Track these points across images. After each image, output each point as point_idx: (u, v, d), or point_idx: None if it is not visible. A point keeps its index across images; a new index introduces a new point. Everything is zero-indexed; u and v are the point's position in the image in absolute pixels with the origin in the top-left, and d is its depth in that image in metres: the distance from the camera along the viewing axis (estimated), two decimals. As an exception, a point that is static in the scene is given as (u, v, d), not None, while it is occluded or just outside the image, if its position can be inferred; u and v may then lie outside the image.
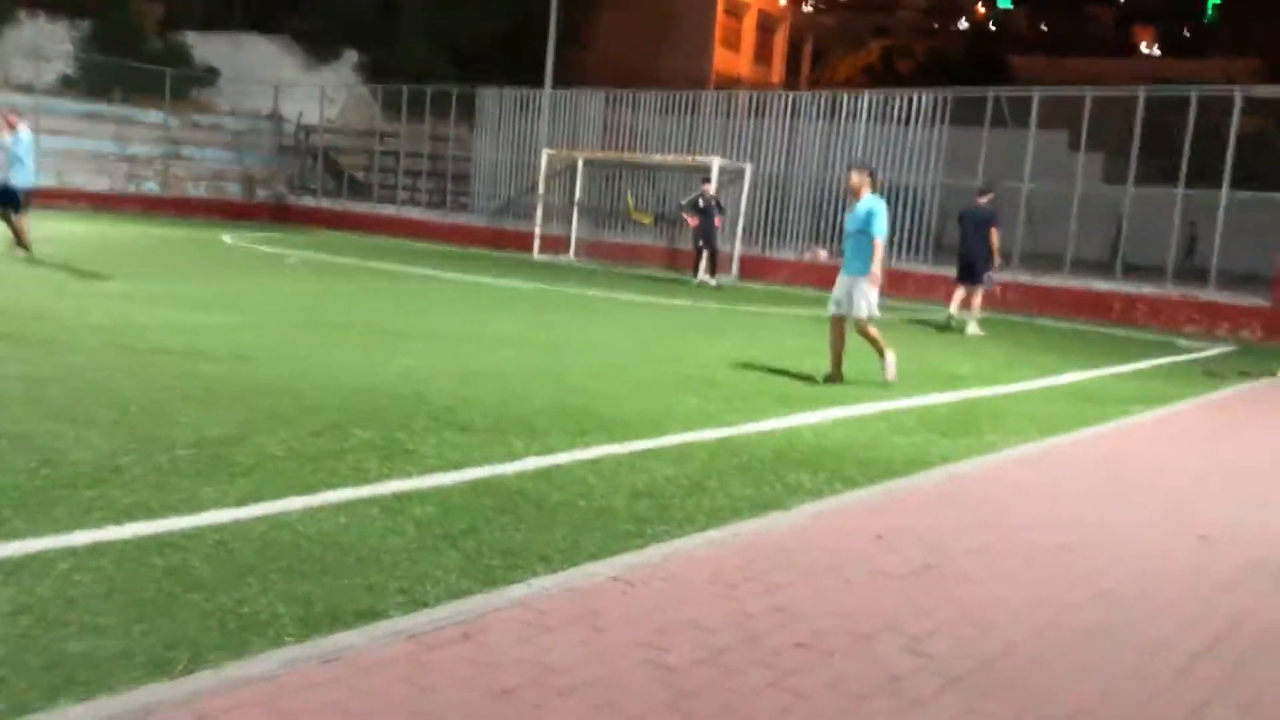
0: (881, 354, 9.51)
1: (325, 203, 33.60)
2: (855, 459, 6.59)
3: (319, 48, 38.90)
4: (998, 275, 16.15)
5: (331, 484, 5.11)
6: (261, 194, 34.75)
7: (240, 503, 4.73)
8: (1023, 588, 4.45)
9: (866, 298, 9.23)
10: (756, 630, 3.77)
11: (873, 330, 9.40)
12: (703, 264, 21.03)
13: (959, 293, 15.40)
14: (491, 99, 28.95)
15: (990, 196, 15.59)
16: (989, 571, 4.63)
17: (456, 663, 3.32)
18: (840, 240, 9.93)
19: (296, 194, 34.94)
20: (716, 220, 21.07)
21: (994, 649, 3.77)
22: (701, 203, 20.86)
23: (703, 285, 20.54)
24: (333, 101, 35.94)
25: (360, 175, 35.14)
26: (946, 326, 15.21)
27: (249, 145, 35.44)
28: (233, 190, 34.35)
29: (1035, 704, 3.35)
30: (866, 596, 4.20)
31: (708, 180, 21.63)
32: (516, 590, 3.97)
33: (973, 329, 15.12)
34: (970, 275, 15.35)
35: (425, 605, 3.78)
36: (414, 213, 31.09)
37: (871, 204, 9.36)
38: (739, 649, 3.60)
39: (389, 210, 31.57)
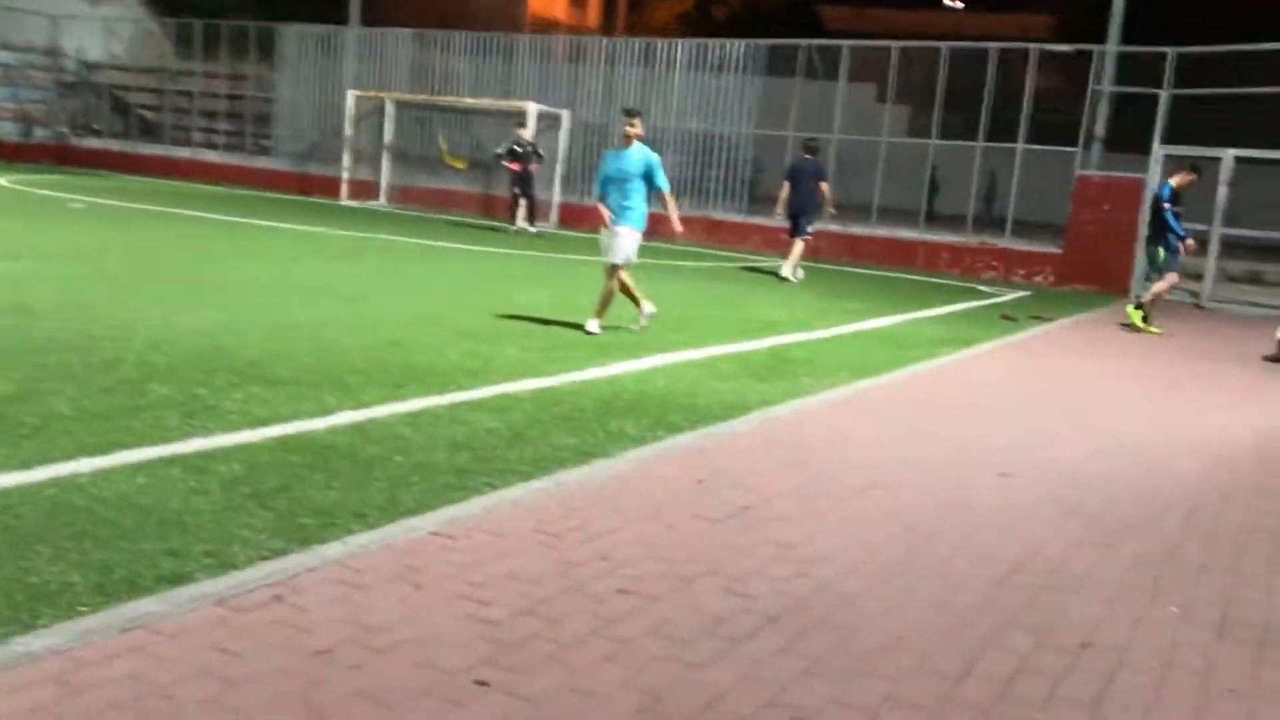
0: (638, 303, 9.52)
1: (113, 145, 31.47)
2: (676, 405, 6.66)
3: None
4: (816, 225, 16.77)
5: (127, 443, 4.81)
6: (40, 134, 32.23)
7: (25, 466, 4.39)
8: (835, 526, 4.60)
9: (625, 246, 9.24)
10: (580, 578, 3.75)
11: (628, 278, 9.38)
12: (521, 211, 20.77)
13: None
14: (293, 37, 27.62)
15: (817, 151, 16.38)
16: (804, 511, 4.76)
17: (269, 626, 3.18)
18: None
19: (80, 135, 32.61)
20: (533, 166, 20.80)
21: (809, 587, 3.87)
22: (518, 148, 20.55)
23: (521, 232, 20.31)
24: (118, 36, 33.56)
25: (151, 116, 33.03)
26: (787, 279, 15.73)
27: (23, 81, 32.71)
28: (7, 130, 31.72)
29: (849, 639, 3.46)
30: (688, 541, 4.24)
31: (523, 125, 21.31)
32: (331, 549, 3.82)
33: (786, 271, 15.69)
34: (795, 227, 15.97)
35: (234, 568, 3.60)
36: (211, 156, 29.50)
37: (648, 154, 9.41)
38: (562, 598, 3.57)
39: (184, 153, 29.82)
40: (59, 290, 8.81)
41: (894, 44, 21.95)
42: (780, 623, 3.53)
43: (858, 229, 21.18)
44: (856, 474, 5.44)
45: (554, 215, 23.50)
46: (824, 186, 16.13)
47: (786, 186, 16.23)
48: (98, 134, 32.32)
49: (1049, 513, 5.07)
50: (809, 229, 16.28)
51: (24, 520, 3.83)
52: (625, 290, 9.39)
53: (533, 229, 20.55)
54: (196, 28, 29.43)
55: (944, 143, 21.03)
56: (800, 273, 16.00)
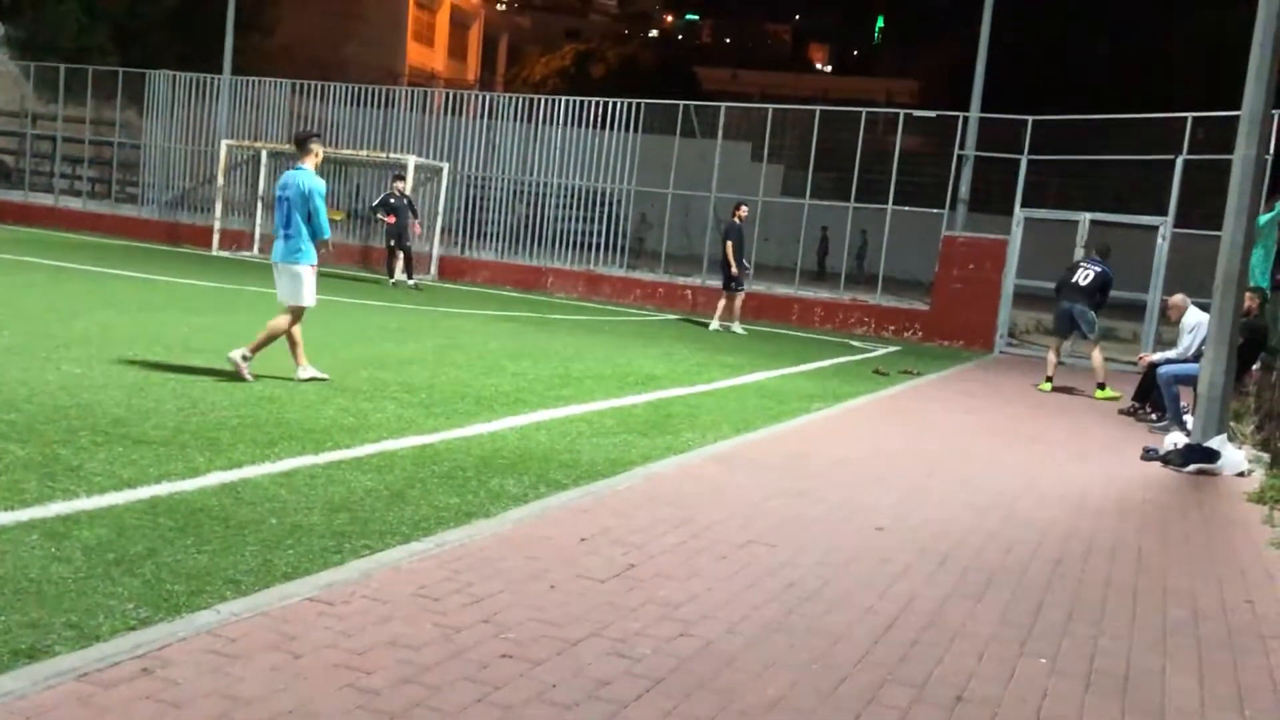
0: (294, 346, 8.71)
1: (-33, 191, 30.13)
2: (558, 462, 6.64)
3: (-44, 18, 34.81)
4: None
5: (-19, 509, 4.57)
6: (-112, 178, 30.71)
7: None
8: (717, 584, 4.63)
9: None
10: (463, 644, 3.70)
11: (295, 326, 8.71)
12: (399, 264, 20.57)
13: (721, 301, 17.82)
14: (164, 83, 26.94)
15: (741, 212, 17.80)
16: (687, 569, 4.78)
17: (135, 701, 3.04)
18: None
19: (-68, 179, 31.14)
20: (411, 221, 20.66)
21: (693, 647, 3.89)
22: (393, 200, 20.44)
23: (399, 285, 20.10)
24: (-24, 78, 32.29)
25: (10, 161, 31.73)
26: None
27: None
28: None
29: (731, 699, 3.48)
30: (572, 602, 4.22)
31: (400, 178, 21.19)
32: (203, 617, 3.69)
33: (715, 326, 17.78)
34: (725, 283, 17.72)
35: (98, 639, 3.45)
36: (74, 203, 28.42)
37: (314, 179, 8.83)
38: (445, 665, 3.51)
39: (45, 200, 28.64)
40: (-94, 344, 8.36)
41: (770, 106, 22.59)
42: (665, 684, 3.53)
43: (735, 285, 21.52)
44: (737, 530, 5.50)
45: (433, 268, 23.33)
46: (727, 246, 17.41)
47: (731, 246, 17.32)
48: (-50, 179, 30.89)
49: (923, 566, 5.20)
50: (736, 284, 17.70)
51: None
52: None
53: (411, 281, 20.36)
54: (60, 71, 28.47)
55: (818, 202, 21.64)
56: (720, 326, 17.77)
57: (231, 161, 25.20)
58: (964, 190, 19.88)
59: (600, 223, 22.52)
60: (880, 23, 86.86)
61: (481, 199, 24.26)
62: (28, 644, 3.36)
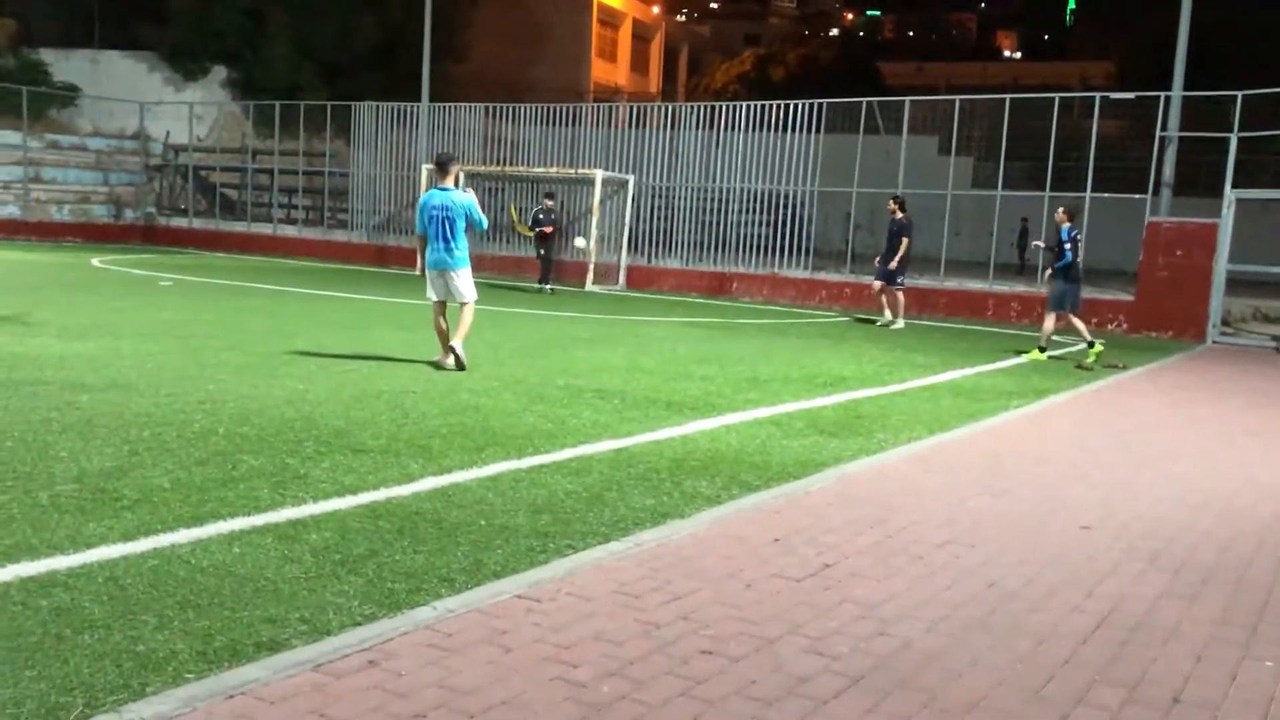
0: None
1: (198, 223, 32.65)
2: (750, 464, 6.71)
3: (184, 64, 37.75)
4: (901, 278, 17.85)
5: (222, 514, 5.00)
6: (130, 215, 33.58)
7: (128, 538, 4.58)
8: (915, 583, 4.60)
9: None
10: (663, 639, 3.81)
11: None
12: (548, 273, 21.93)
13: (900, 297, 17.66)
14: (368, 114, 28.55)
15: (902, 208, 17.71)
16: (883, 569, 4.77)
17: (364, 691, 3.28)
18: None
19: (167, 215, 33.88)
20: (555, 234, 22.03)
21: (892, 646, 3.88)
22: (542, 216, 21.68)
23: (545, 291, 21.41)
24: (201, 119, 34.96)
25: (233, 194, 34.24)
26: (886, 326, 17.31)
27: (115, 166, 34.22)
28: (99, 212, 33.10)
29: (933, 698, 3.46)
30: (768, 600, 4.28)
31: (550, 195, 22.47)
32: (421, 613, 3.94)
33: (900, 324, 17.41)
34: (884, 277, 17.51)
35: (328, 634, 3.73)
36: (291, 231, 30.44)
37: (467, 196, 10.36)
38: (647, 659, 3.63)
39: (264, 229, 30.83)
40: (151, 366, 9.16)
41: (957, 97, 22.01)
42: (865, 682, 3.55)
43: (925, 282, 21.12)
44: (934, 531, 5.43)
45: (622, 278, 23.79)
46: (904, 242, 17.32)
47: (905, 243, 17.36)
48: (183, 213, 33.59)
49: (1133, 565, 5.01)
50: (899, 280, 17.62)
51: (129, 590, 4.01)
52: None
53: (547, 287, 21.67)
54: (275, 108, 30.52)
55: (1011, 193, 20.95)
56: (894, 322, 17.54)
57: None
58: (1168, 173, 18.85)
59: (783, 225, 22.45)
60: (1072, 4, 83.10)
61: (666, 208, 24.60)
62: (267, 637, 3.67)
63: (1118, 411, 10.03)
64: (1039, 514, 5.90)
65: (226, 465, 5.89)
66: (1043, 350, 13.88)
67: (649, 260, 24.56)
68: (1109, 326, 18.95)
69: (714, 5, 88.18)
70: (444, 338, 10.27)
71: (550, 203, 22.18)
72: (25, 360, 9.04)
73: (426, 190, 9.77)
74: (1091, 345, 13.73)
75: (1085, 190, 19.41)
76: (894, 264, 17.24)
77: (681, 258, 24.16)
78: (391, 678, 3.38)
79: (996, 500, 6.16)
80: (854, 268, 22.48)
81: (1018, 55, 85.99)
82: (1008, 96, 20.66)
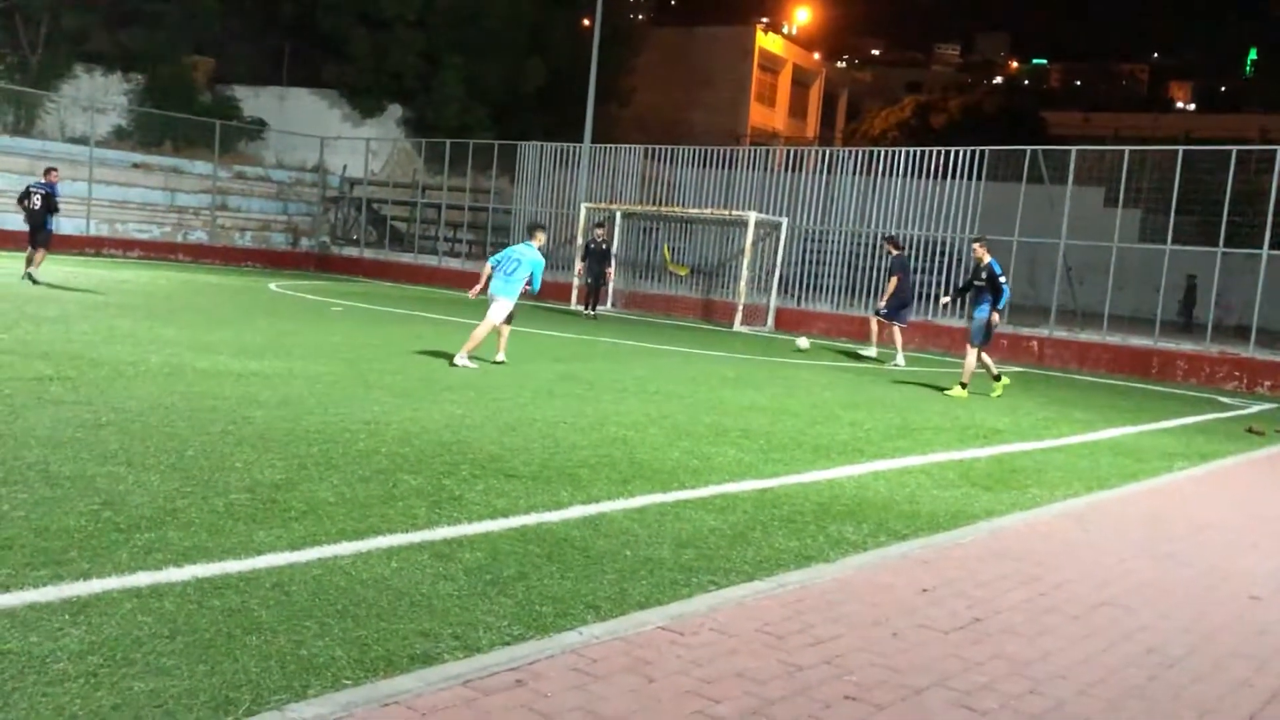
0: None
1: (368, 253, 34.10)
2: (898, 512, 6.61)
3: (363, 102, 39.73)
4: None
5: (382, 529, 5.21)
6: (306, 244, 35.33)
7: (294, 547, 4.82)
8: (1069, 643, 4.45)
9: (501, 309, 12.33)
10: (806, 682, 3.79)
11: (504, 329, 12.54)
12: (591, 297, 22.73)
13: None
14: (532, 153, 29.43)
15: (896, 246, 18.56)
16: (1036, 627, 4.63)
17: (511, 709, 3.37)
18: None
19: (339, 244, 35.51)
20: (606, 268, 22.93)
21: (1043, 706, 3.77)
22: (592, 246, 22.54)
23: (596, 316, 22.26)
24: (376, 154, 36.63)
25: (402, 227, 35.69)
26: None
27: (294, 196, 36.16)
28: (278, 240, 34.97)
29: (1086, 760, 3.35)
30: (914, 650, 4.22)
31: (601, 225, 23.29)
32: (568, 638, 4.02)
33: (868, 352, 18.37)
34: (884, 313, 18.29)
35: (479, 650, 3.84)
36: (455, 263, 31.46)
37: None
38: (789, 700, 3.63)
39: (430, 261, 31.97)
40: (321, 386, 9.61)
41: (1127, 148, 21.30)
42: (1012, 738, 3.46)
43: (1086, 336, 20.41)
44: (1091, 591, 5.25)
45: (770, 319, 23.76)
46: (892, 280, 18.00)
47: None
48: (355, 243, 35.15)
49: (1308, 642, 4.73)
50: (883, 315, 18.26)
51: (294, 596, 4.22)
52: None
53: (590, 312, 22.41)
54: (445, 146, 31.75)
55: (1181, 247, 20.12)
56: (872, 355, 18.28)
57: (590, 222, 27.04)
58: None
59: (940, 273, 22.06)
60: (1253, 54, 79.50)
61: (818, 252, 24.50)
62: (421, 650, 3.81)
63: (1295, 480, 9.49)
64: (1205, 581, 5.64)
65: (387, 483, 6.14)
66: (965, 386, 13.73)
67: (799, 303, 24.46)
68: (1286, 391, 17.94)
69: (875, 52, 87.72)
70: (495, 343, 12.54)
71: (600, 231, 22.95)
72: (205, 376, 9.61)
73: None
74: (998, 378, 13.88)
75: (1262, 247, 18.49)
76: (882, 302, 18.10)
77: (831, 302, 23.98)
78: (538, 698, 3.46)
79: (1158, 564, 5.91)
80: (1013, 319, 21.90)
81: (1191, 106, 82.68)
82: (1181, 148, 19.90)
